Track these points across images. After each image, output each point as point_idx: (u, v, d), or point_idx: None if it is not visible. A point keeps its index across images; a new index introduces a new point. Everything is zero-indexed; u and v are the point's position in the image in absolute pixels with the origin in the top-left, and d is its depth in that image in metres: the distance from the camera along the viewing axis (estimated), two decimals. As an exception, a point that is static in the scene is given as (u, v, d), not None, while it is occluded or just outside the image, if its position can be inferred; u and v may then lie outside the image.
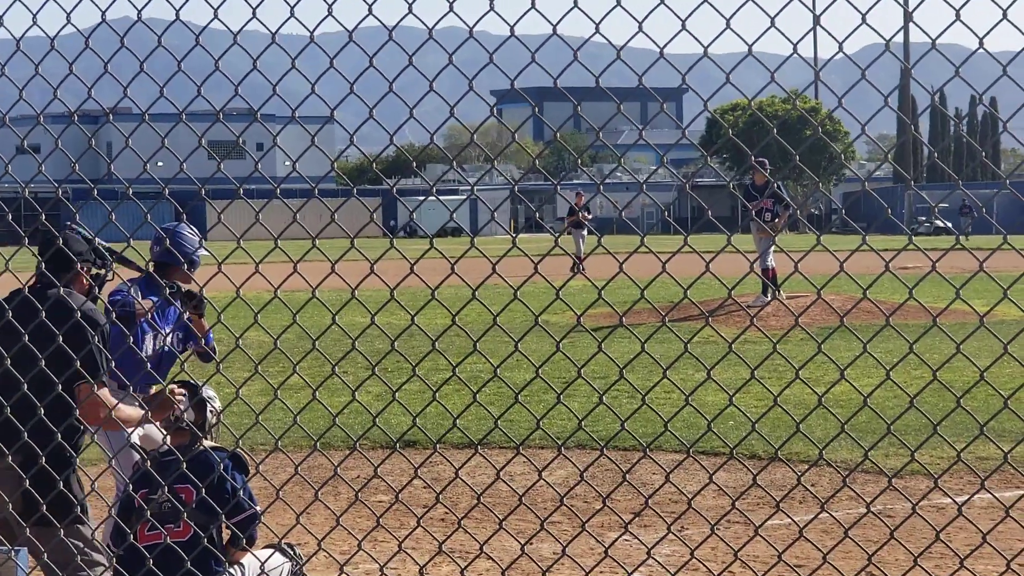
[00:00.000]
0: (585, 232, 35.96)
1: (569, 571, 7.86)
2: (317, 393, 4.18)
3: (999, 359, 3.70)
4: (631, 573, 4.26)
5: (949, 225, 50.38)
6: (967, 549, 6.05)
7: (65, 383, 5.35)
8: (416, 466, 4.25)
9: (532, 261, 3.75)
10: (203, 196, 4.54)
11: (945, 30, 3.73)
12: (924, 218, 78.93)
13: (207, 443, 6.39)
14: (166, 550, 5.62)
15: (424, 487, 10.59)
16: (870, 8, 3.72)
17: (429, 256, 4.24)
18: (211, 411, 6.63)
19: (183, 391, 6.53)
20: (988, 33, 3.56)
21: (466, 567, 5.05)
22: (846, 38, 3.89)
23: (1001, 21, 3.59)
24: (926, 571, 4.31)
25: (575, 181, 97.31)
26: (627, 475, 4.09)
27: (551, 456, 10.89)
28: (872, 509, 4.24)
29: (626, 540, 8.68)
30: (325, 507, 7.17)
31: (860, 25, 3.81)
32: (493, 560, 4.99)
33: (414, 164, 4.28)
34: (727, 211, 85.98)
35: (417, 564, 6.78)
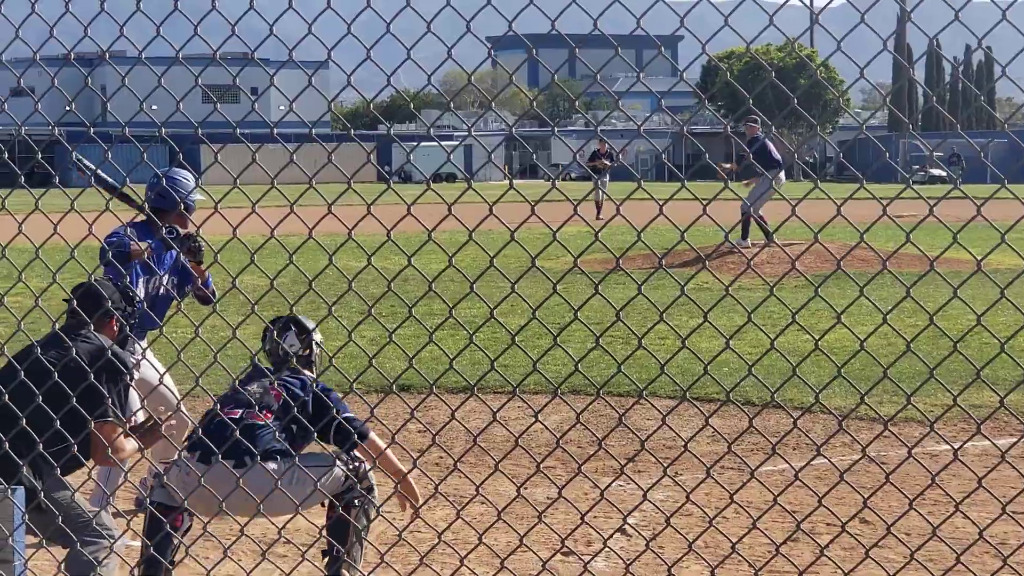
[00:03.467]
0: (607, 179, 36.05)
1: (564, 515, 7.89)
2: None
3: (995, 304, 3.71)
4: (626, 517, 4.27)
5: (946, 172, 50.26)
6: (961, 496, 6.07)
7: (84, 421, 5.64)
8: (412, 408, 4.26)
9: (530, 203, 3.74)
10: (199, 138, 4.52)
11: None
12: (918, 166, 78.79)
13: (308, 374, 7.06)
14: (241, 428, 6.34)
15: (420, 431, 10.62)
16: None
17: (425, 201, 4.23)
18: (316, 345, 7.23)
19: (172, 423, 6.66)
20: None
21: (461, 510, 5.06)
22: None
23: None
24: (922, 515, 4.33)
25: (570, 128, 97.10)
26: (623, 419, 4.10)
27: (546, 400, 10.93)
28: (868, 454, 4.25)
29: (621, 485, 8.71)
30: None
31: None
32: (489, 503, 5.01)
33: (411, 106, 4.26)
34: (722, 157, 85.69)
35: (413, 507, 6.80)
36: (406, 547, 7.11)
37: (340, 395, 6.99)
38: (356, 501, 6.87)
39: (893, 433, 4.08)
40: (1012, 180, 3.84)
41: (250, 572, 5.07)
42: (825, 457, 4.24)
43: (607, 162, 36.18)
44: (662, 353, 14.07)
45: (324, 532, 6.62)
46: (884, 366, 3.85)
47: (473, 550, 5.52)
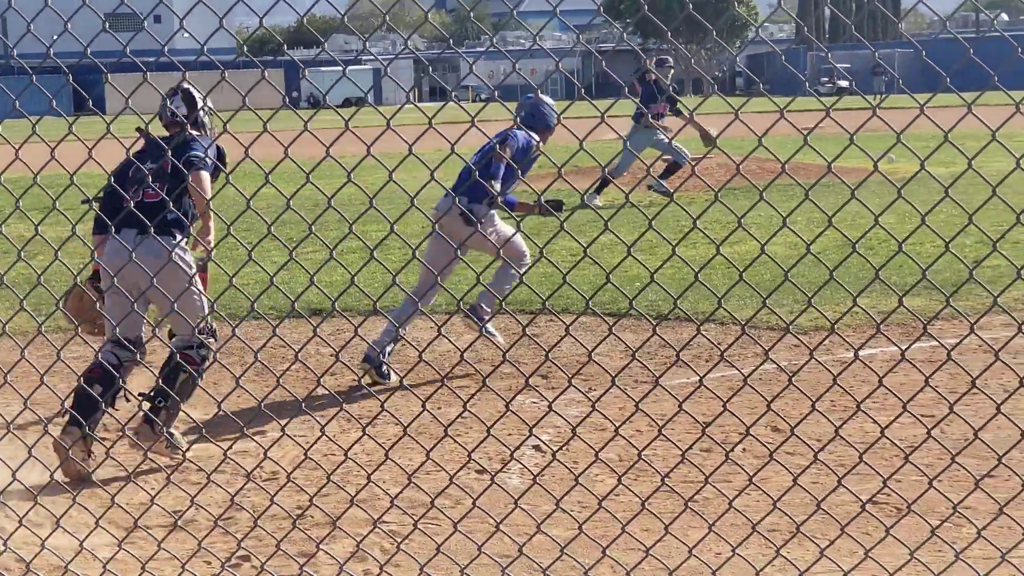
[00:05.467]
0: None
1: (479, 433, 7.92)
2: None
3: (892, 205, 3.72)
4: (532, 428, 4.29)
5: (852, 84, 50.57)
6: (866, 399, 6.14)
7: None
8: (315, 326, 4.24)
9: (428, 120, 3.71)
10: (97, 65, 4.44)
11: None
12: (827, 79, 79.20)
13: (193, 132, 7.84)
14: (141, 205, 7.36)
15: (331, 353, 10.58)
16: None
17: (334, 127, 4.17)
18: (201, 108, 7.98)
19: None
20: None
21: (367, 426, 5.05)
22: None
23: None
24: (827, 418, 4.38)
25: (478, 49, 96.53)
26: (526, 330, 4.11)
27: (450, 318, 10.92)
28: (771, 358, 4.29)
29: (535, 402, 8.75)
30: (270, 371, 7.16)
31: None
32: (399, 422, 5.02)
33: (323, 36, 4.20)
34: (629, 77, 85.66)
35: (319, 423, 6.81)
36: (310, 468, 7.12)
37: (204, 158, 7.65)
38: (197, 357, 7.65)
39: (797, 337, 4.11)
40: (916, 91, 3.86)
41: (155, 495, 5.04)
42: (730, 363, 4.26)
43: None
44: (575, 269, 14.09)
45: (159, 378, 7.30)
46: (785, 270, 3.87)
47: (379, 467, 5.52)
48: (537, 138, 10.14)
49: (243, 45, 4.68)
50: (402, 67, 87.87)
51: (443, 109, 3.98)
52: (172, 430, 7.62)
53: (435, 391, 5.34)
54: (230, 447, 4.80)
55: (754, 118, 3.64)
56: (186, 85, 8.05)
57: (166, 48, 4.23)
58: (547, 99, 10.54)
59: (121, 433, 5.32)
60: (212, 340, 7.83)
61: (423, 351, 3.71)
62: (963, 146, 3.56)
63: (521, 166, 9.93)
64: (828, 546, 4.51)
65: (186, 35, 4.49)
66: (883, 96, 3.75)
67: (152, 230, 6.76)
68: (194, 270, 7.61)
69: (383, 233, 17.20)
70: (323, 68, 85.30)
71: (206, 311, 7.72)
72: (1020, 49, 3.94)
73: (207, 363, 7.76)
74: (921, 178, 4.11)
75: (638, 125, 20.89)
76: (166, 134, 8.04)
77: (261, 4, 4.49)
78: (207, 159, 7.61)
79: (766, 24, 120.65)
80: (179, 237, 7.48)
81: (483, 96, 76.94)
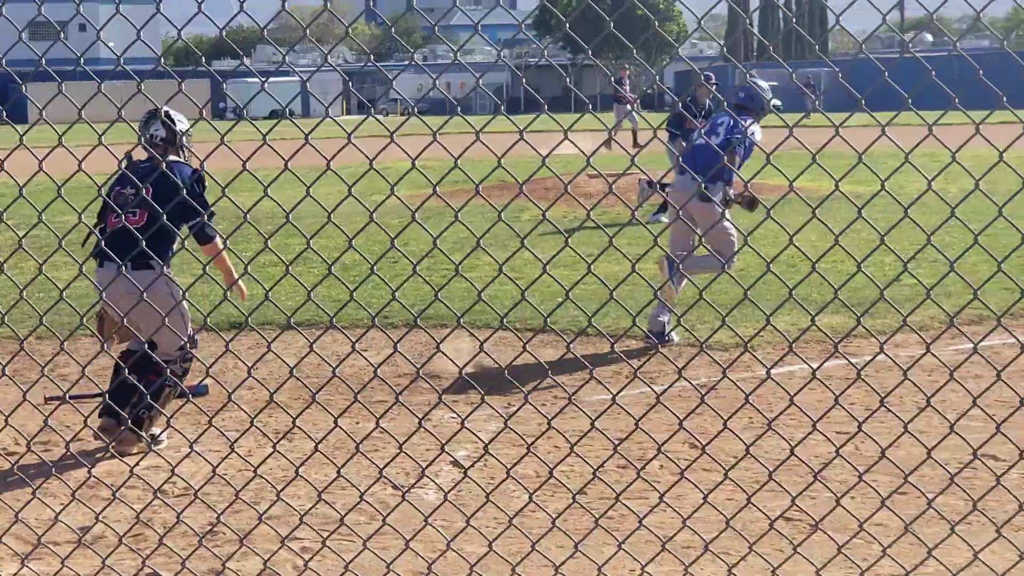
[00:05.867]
0: (628, 107, 35.32)
1: (391, 448, 7.87)
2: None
3: (807, 223, 3.73)
4: (444, 444, 4.26)
5: (778, 103, 50.81)
6: (781, 419, 6.14)
7: None
8: (227, 341, 4.19)
9: (347, 133, 3.68)
10: (11, 75, 4.37)
11: None
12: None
13: (172, 157, 8.02)
14: (123, 231, 7.58)
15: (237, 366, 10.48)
16: None
17: (270, 138, 4.12)
18: (179, 131, 8.08)
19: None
20: None
21: (278, 442, 5.00)
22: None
23: None
24: (735, 433, 4.38)
25: (406, 63, 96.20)
26: (440, 346, 4.08)
27: (364, 332, 10.88)
28: (688, 380, 4.28)
29: (453, 417, 8.72)
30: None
31: None
32: (308, 437, 4.97)
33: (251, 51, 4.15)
34: (558, 91, 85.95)
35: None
36: (223, 484, 7.05)
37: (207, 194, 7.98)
38: (176, 375, 7.96)
39: (709, 354, 4.11)
40: (841, 109, 3.87)
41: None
42: (644, 381, 4.26)
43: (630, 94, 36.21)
44: (484, 283, 14.07)
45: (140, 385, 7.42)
46: (700, 288, 3.87)
47: (290, 483, 5.47)
48: (751, 120, 10.97)
49: (160, 57, 4.62)
50: (332, 80, 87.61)
51: (367, 122, 3.94)
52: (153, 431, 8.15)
53: (349, 405, 5.31)
54: (138, 463, 4.73)
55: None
56: (166, 108, 8.08)
57: (82, 59, 4.17)
58: (762, 83, 11.25)
59: (27, 448, 5.25)
60: (192, 352, 8.14)
61: (336, 367, 3.67)
62: (886, 165, 3.58)
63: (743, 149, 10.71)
64: (737, 562, 4.51)
65: (111, 44, 4.43)
66: (804, 115, 3.76)
67: (131, 264, 6.98)
68: (180, 295, 7.73)
69: (303, 246, 17.10)
70: (249, 80, 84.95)
71: (189, 330, 8.11)
72: (933, 72, 3.96)
73: (187, 375, 8.27)
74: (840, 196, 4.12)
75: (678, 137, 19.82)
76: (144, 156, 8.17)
77: (186, 13, 4.44)
78: (208, 220, 7.77)
79: (695, 41, 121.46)
80: (160, 266, 7.46)
81: (411, 109, 76.73)
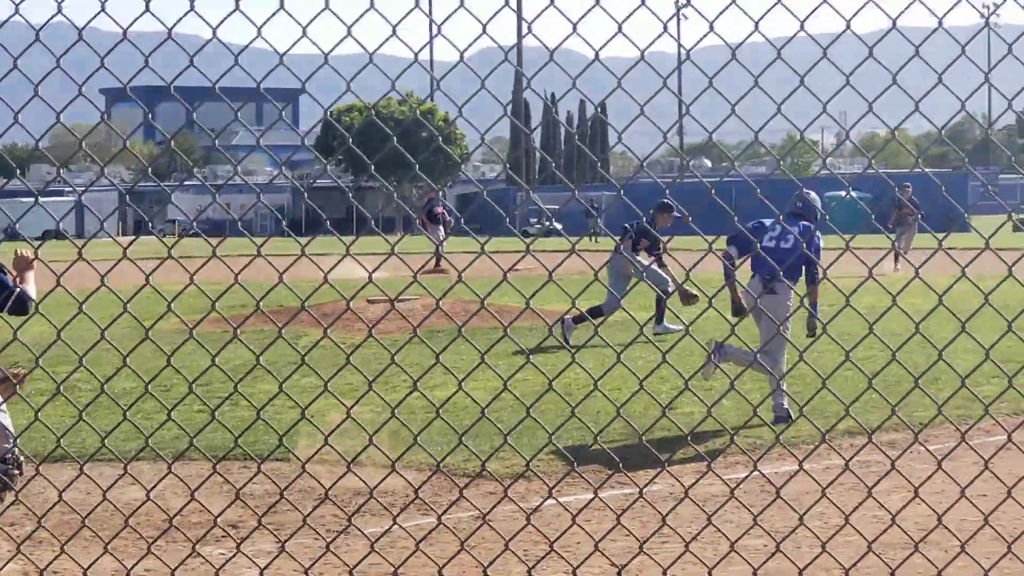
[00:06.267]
0: (442, 232, 35.44)
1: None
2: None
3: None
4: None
5: (559, 227, 51.65)
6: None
7: None
8: (14, 490, 4.04)
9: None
10: None
11: (563, 42, 3.78)
12: (536, 220, 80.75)
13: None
14: None
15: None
16: (492, 17, 3.74)
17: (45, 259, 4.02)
18: None
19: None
20: (604, 46, 3.63)
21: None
22: (467, 48, 3.90)
23: (616, 34, 3.66)
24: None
25: (191, 182, 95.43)
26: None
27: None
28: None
29: (222, 554, 8.52)
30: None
31: (480, 35, 3.82)
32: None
33: (22, 169, 4.06)
34: (342, 213, 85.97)
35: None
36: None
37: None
38: (5, 476, 7.73)
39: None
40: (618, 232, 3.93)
41: None
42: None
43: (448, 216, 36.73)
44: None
45: None
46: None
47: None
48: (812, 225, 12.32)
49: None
50: (108, 200, 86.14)
51: (149, 242, 3.89)
52: None
53: (116, 535, 5.18)
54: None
55: (462, 258, 3.66)
56: None
57: None
58: (813, 194, 12.53)
59: None
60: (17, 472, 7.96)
61: (137, 510, 3.55)
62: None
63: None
64: None
65: None
66: (589, 234, 3.81)
67: None
68: None
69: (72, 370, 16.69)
70: (22, 199, 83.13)
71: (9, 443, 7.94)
72: (713, 191, 4.07)
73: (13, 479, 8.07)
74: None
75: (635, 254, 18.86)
76: None
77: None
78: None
79: (477, 164, 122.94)
80: None
81: (189, 230, 75.98)
